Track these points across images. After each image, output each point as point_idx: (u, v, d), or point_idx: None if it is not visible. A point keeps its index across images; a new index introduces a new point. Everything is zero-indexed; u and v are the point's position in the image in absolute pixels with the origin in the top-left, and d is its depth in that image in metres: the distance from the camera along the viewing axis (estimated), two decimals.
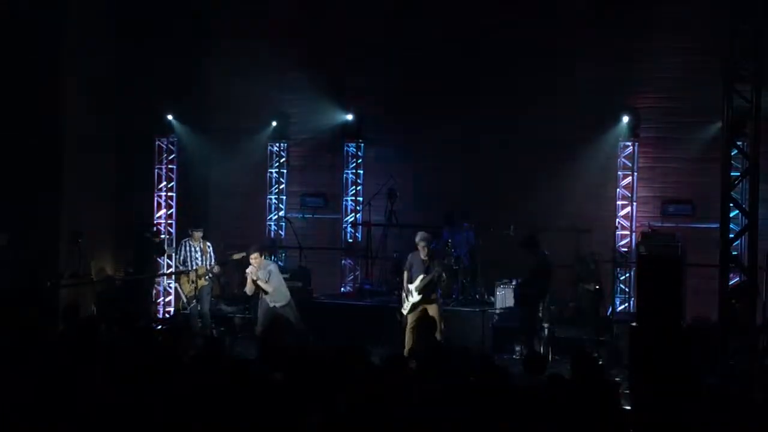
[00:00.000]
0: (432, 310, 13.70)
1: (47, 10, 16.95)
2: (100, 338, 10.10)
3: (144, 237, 17.33)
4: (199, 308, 15.65)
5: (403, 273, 14.24)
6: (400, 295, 14.20)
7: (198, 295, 15.61)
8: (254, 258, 14.06)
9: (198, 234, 15.75)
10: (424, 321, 12.96)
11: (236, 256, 15.67)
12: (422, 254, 13.85)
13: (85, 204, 17.95)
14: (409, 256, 14.14)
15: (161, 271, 18.40)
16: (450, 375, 8.43)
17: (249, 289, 14.24)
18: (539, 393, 7.46)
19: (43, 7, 16.90)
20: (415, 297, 13.79)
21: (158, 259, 18.07)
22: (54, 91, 17.16)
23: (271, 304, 14.16)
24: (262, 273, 14.05)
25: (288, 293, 14.35)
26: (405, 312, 13.89)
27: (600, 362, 11.89)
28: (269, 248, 17.55)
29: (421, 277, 13.72)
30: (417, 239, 14.00)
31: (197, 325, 15.52)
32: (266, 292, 14.08)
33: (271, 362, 8.71)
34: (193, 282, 15.54)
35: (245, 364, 8.66)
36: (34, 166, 16.71)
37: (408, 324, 13.79)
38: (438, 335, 13.25)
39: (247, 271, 14.11)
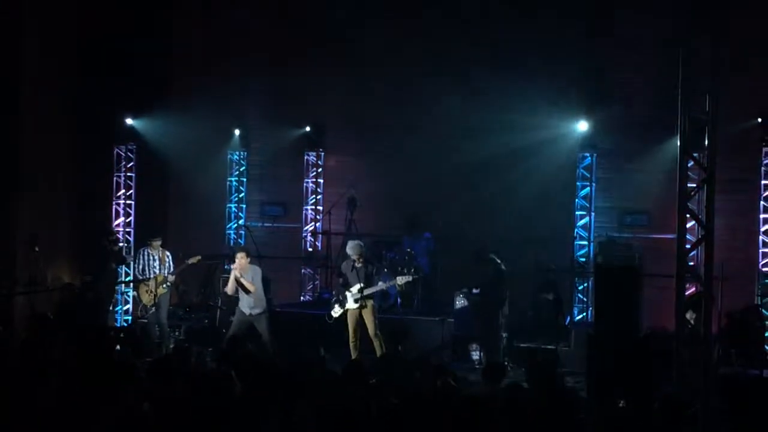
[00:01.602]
0: (367, 314, 13.82)
1: (5, 15, 16.81)
2: (59, 347, 10.04)
3: (101, 245, 17.18)
4: (157, 317, 15.55)
5: (339, 279, 14.31)
6: (334, 299, 14.24)
7: (157, 304, 15.51)
8: (240, 257, 14.20)
9: (156, 243, 15.67)
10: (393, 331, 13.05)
11: (192, 260, 15.68)
12: (356, 263, 13.90)
13: (42, 212, 17.79)
14: (343, 265, 14.22)
15: (119, 280, 18.25)
16: (408, 385, 8.47)
17: (230, 288, 14.26)
18: (497, 402, 7.49)
19: (1, 12, 16.77)
20: (351, 304, 13.84)
21: (116, 267, 17.86)
22: (10, 97, 17.01)
23: (248, 311, 14.12)
24: (247, 275, 14.09)
25: (266, 303, 14.38)
26: (335, 315, 13.98)
27: (558, 371, 11.95)
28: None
29: (358, 286, 13.77)
30: (349, 251, 14.07)
31: (156, 334, 15.44)
32: (248, 292, 14.03)
33: (230, 371, 8.69)
34: (151, 291, 15.44)
35: (204, 373, 8.65)
36: None
37: (350, 333, 13.88)
38: (377, 341, 13.39)
39: (232, 267, 14.14)
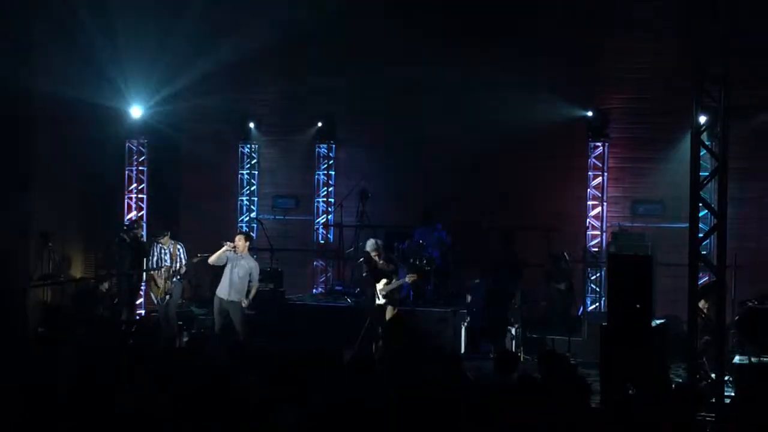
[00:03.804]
0: (389, 311, 13.98)
1: (16, 8, 16.81)
2: (75, 339, 10.09)
3: (120, 237, 17.18)
4: (165, 311, 15.57)
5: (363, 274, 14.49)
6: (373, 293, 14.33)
7: (165, 297, 15.56)
8: (239, 239, 14.30)
9: (164, 239, 15.71)
10: (393, 323, 13.13)
11: (195, 260, 15.71)
12: (378, 260, 13.99)
13: (55, 207, 17.80)
14: (364, 261, 14.36)
15: (131, 272, 18.23)
16: (420, 376, 8.46)
17: (213, 259, 14.36)
18: (509, 392, 7.49)
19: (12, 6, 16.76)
20: (380, 299, 13.97)
21: (134, 259, 17.77)
22: (21, 92, 17.00)
23: (225, 297, 14.14)
24: (242, 259, 14.13)
25: (244, 295, 14.36)
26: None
27: (571, 361, 11.94)
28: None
29: (384, 281, 13.95)
30: (368, 249, 14.17)
31: (167, 327, 15.45)
32: (233, 265, 14.12)
33: (244, 365, 8.69)
34: (160, 285, 15.51)
35: (219, 366, 8.65)
36: (2, 167, 16.56)
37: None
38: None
39: (227, 243, 14.14)
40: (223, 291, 14.25)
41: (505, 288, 14.63)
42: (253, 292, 14.30)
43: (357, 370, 8.41)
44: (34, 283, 16.82)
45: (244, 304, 14.23)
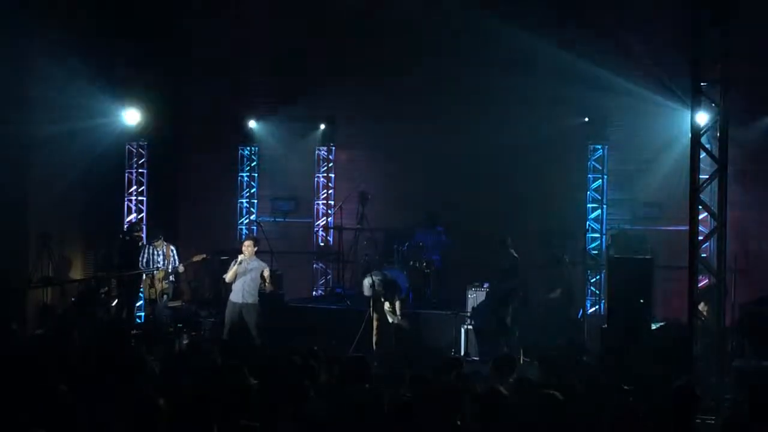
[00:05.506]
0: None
1: (18, 11, 16.81)
2: (74, 341, 10.10)
3: (123, 240, 17.19)
4: (152, 310, 15.67)
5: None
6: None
7: (164, 297, 15.62)
8: (247, 246, 14.37)
9: (158, 242, 15.78)
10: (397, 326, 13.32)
11: (196, 258, 15.72)
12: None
13: (54, 209, 17.78)
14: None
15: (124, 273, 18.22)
16: (420, 377, 8.46)
17: (229, 276, 14.37)
18: (506, 396, 7.47)
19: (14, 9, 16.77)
20: (391, 318, 14.44)
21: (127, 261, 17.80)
22: (20, 92, 17.00)
23: (240, 300, 14.18)
24: (254, 263, 14.23)
25: (257, 297, 14.42)
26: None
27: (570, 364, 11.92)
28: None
29: (387, 305, 14.49)
30: (366, 293, 15.00)
31: (161, 326, 15.52)
32: (243, 272, 14.19)
33: (238, 365, 8.69)
34: (152, 286, 15.57)
35: (216, 368, 8.65)
36: (1, 168, 16.56)
37: (375, 330, 14.34)
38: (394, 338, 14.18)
39: (239, 258, 14.23)
40: (236, 295, 14.34)
41: (505, 289, 14.61)
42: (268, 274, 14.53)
43: (352, 370, 8.42)
44: (33, 284, 16.82)
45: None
